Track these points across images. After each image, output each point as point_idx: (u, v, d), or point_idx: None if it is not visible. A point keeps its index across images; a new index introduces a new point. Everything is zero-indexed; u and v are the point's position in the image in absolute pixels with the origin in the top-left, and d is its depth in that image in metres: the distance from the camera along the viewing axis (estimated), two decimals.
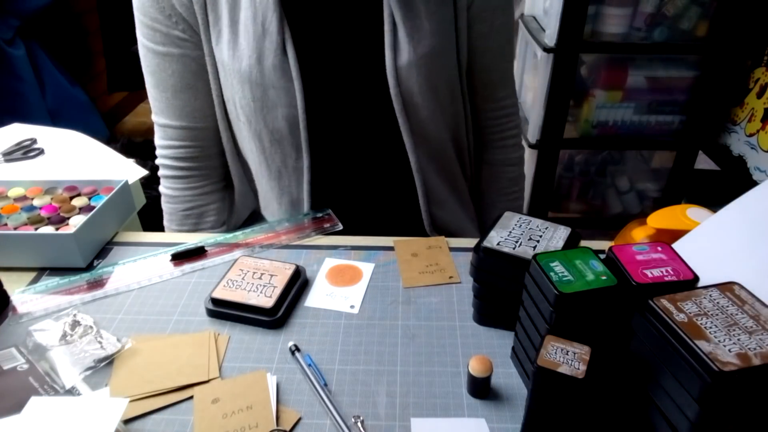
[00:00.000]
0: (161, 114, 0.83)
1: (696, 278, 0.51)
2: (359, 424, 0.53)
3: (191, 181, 0.88)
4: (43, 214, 0.77)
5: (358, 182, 0.87)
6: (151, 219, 1.04)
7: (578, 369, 0.45)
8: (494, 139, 0.93)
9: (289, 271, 0.69)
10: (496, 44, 0.83)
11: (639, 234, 0.69)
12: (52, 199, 0.80)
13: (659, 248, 0.54)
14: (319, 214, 0.83)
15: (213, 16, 0.75)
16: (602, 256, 0.54)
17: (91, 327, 0.63)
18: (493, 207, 0.98)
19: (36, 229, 0.74)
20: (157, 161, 0.88)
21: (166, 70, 0.79)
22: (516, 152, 0.95)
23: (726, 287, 0.48)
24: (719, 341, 0.42)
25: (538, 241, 0.60)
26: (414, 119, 0.79)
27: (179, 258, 0.74)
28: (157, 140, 0.86)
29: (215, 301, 0.65)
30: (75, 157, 1.05)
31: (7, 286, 0.68)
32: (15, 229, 0.74)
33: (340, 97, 0.79)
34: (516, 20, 1.81)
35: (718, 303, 0.46)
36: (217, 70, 0.78)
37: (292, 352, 0.60)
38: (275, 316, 0.64)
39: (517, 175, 0.97)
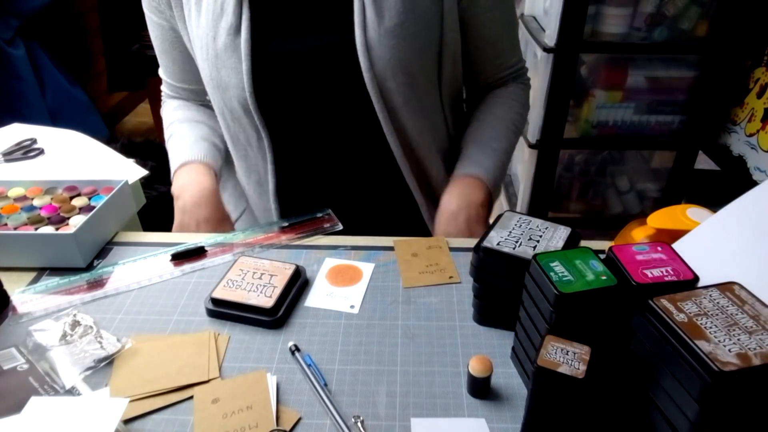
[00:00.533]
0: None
1: (696, 278, 0.51)
2: (359, 424, 0.53)
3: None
4: (43, 214, 0.77)
5: (332, 168, 0.88)
6: (151, 219, 1.04)
7: (578, 369, 0.45)
8: (506, 83, 0.93)
9: (289, 271, 0.69)
10: (500, 13, 0.84)
11: (639, 234, 0.69)
12: (52, 199, 0.80)
13: (659, 248, 0.54)
14: (319, 214, 0.83)
15: None
16: (602, 256, 0.54)
17: (91, 327, 0.63)
18: (484, 127, 0.89)
19: (36, 229, 0.74)
20: None
21: (153, 32, 0.88)
22: (526, 92, 0.94)
23: (726, 287, 0.48)
24: (719, 341, 0.42)
25: (538, 241, 0.60)
26: (390, 106, 0.79)
27: (179, 258, 0.74)
28: None
29: (215, 301, 0.65)
30: (75, 157, 1.05)
31: (7, 286, 0.68)
32: (15, 229, 0.74)
33: (304, 81, 0.79)
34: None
35: (718, 303, 0.46)
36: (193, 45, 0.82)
37: (292, 352, 0.60)
38: (275, 316, 0.64)
39: (522, 114, 0.92)
